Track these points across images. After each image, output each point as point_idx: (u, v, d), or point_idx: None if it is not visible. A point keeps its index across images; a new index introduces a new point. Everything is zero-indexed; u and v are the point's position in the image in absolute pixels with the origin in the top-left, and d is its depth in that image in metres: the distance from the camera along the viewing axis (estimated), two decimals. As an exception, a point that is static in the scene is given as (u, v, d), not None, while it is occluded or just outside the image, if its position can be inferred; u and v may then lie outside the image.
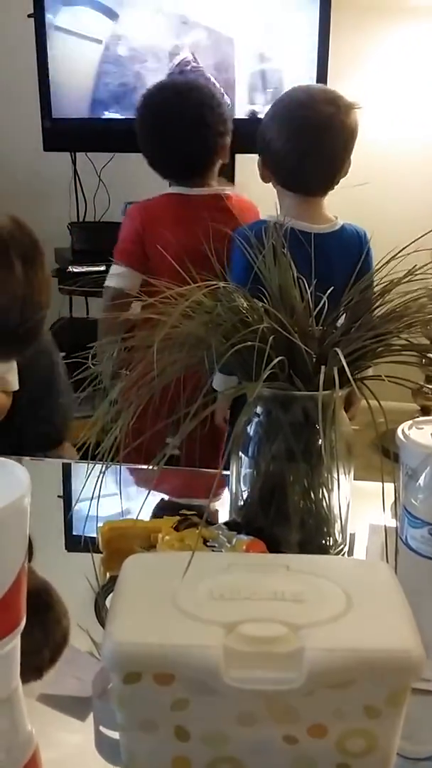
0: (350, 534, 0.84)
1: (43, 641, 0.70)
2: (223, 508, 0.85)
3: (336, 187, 1.58)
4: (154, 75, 2.32)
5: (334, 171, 1.54)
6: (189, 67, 2.35)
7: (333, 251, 0.79)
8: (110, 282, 1.74)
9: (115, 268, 1.74)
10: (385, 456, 0.71)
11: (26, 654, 0.56)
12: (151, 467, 0.70)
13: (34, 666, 0.66)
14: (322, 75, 2.28)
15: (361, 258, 0.85)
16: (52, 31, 2.41)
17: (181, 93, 1.72)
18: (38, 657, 0.68)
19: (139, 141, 1.76)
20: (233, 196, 1.79)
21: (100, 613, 0.74)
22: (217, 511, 0.90)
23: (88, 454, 0.70)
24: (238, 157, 2.33)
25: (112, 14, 2.39)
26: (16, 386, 1.39)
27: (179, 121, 1.69)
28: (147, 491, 0.97)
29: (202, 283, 0.75)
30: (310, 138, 1.51)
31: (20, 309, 0.96)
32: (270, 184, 1.62)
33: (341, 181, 1.58)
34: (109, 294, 1.72)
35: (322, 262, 0.87)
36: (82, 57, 2.44)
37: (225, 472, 0.83)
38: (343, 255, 0.81)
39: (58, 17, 2.40)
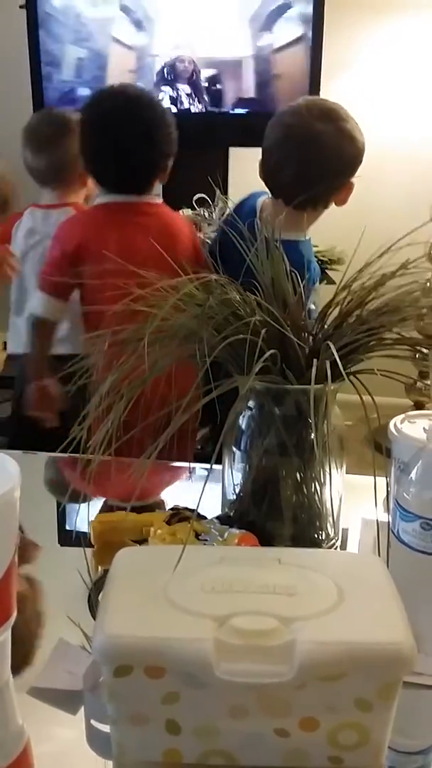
0: (342, 528, 0.84)
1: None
2: (215, 502, 0.85)
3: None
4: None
5: (307, 186, 1.46)
6: (184, 64, 2.35)
7: None
8: (35, 310, 1.71)
9: (39, 295, 1.69)
10: (377, 451, 0.71)
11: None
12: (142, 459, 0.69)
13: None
14: (315, 71, 2.28)
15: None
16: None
17: (133, 103, 1.64)
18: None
19: (80, 142, 1.68)
20: (163, 205, 1.73)
21: (92, 607, 0.73)
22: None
23: (79, 448, 0.69)
24: (232, 150, 2.33)
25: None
26: None
27: (129, 133, 1.61)
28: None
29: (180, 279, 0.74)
30: (289, 148, 1.52)
31: None
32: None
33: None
34: (32, 323, 1.71)
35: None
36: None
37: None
38: None
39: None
